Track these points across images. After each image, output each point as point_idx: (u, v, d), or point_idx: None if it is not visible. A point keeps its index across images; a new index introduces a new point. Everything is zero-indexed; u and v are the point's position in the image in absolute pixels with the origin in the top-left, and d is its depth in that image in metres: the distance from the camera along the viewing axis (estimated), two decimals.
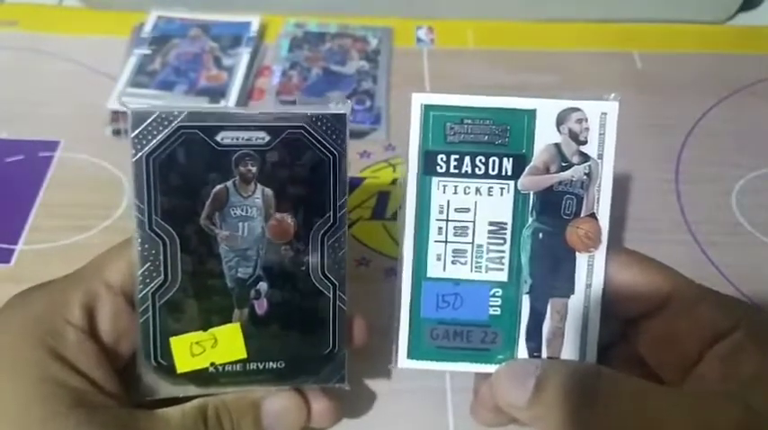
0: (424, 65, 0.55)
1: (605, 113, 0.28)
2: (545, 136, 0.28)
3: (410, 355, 0.29)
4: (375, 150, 0.48)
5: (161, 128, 0.27)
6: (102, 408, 0.26)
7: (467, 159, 0.28)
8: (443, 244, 0.28)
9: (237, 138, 0.28)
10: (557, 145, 0.28)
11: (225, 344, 0.29)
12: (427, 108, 0.28)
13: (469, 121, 0.28)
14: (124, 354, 0.29)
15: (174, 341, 0.28)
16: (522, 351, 0.29)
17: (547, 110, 0.27)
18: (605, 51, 0.57)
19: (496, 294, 0.29)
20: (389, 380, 0.37)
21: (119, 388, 0.27)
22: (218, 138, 0.28)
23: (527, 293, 0.29)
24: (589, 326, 0.29)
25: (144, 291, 0.28)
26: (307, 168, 0.28)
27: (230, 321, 0.29)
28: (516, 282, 0.28)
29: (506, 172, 0.28)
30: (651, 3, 0.59)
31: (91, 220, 0.43)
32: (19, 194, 0.45)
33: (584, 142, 0.28)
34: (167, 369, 0.28)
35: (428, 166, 0.28)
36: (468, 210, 0.28)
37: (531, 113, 0.27)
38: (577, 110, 0.28)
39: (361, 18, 0.58)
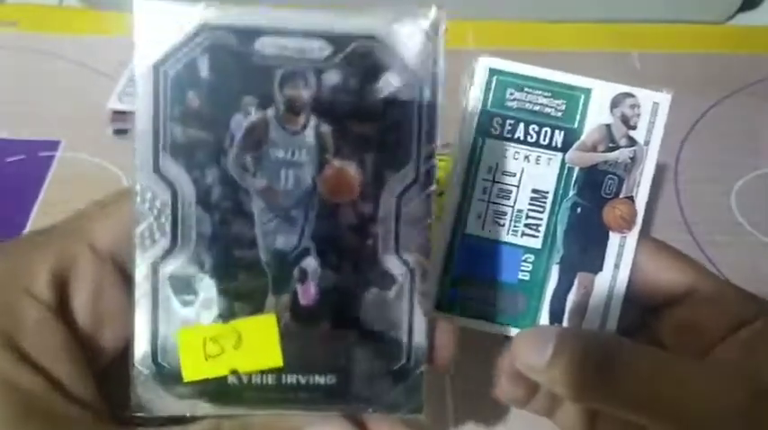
0: None
1: (657, 103, 0.30)
2: (598, 116, 0.29)
3: (437, 307, 0.28)
4: None
5: (177, 26, 0.20)
6: (65, 421, 0.19)
7: (521, 125, 0.28)
8: (486, 203, 0.28)
9: (285, 48, 0.20)
10: (608, 126, 0.29)
11: (253, 344, 0.21)
12: (492, 71, 0.29)
13: (529, 90, 0.29)
14: (108, 347, 0.21)
15: (182, 334, 0.21)
16: (545, 318, 0.30)
17: (603, 91, 0.29)
18: (604, 51, 0.57)
19: (528, 259, 0.29)
20: None
21: (93, 392, 0.20)
22: (256, 46, 0.20)
23: (557, 263, 0.29)
24: (611, 305, 0.29)
25: (142, 259, 0.21)
26: (382, 98, 0.21)
27: (262, 311, 0.21)
28: (549, 250, 0.29)
29: (556, 144, 0.29)
30: (651, 3, 0.60)
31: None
32: (20, 194, 0.45)
33: (634, 127, 0.29)
34: (170, 374, 0.21)
35: (484, 127, 0.29)
36: (514, 174, 0.29)
37: (588, 92, 0.29)
38: (632, 96, 0.29)
39: None
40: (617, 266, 0.29)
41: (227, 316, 0.21)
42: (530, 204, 0.29)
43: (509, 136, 0.29)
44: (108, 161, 0.47)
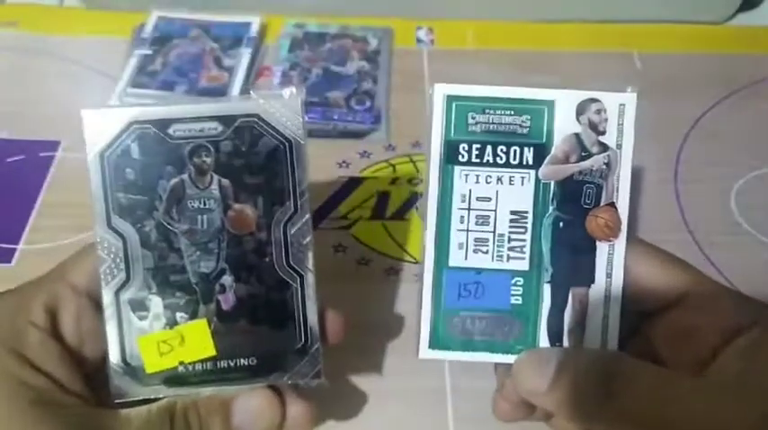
0: (423, 65, 0.55)
1: (623, 105, 0.29)
2: (565, 126, 0.28)
3: (431, 345, 0.29)
4: (375, 150, 0.48)
5: (113, 125, 0.27)
6: (63, 407, 0.26)
7: (488, 148, 0.28)
8: (465, 232, 0.28)
9: (190, 130, 0.28)
10: (576, 135, 0.28)
11: (193, 341, 0.28)
12: (450, 98, 0.28)
13: (491, 111, 0.28)
14: (90, 356, 0.28)
15: (140, 340, 0.28)
16: (544, 340, 0.29)
17: (566, 101, 0.28)
18: (605, 51, 0.57)
19: (518, 283, 0.29)
20: (389, 380, 0.37)
21: (84, 388, 0.27)
22: (170, 131, 0.28)
23: (548, 282, 0.29)
24: (610, 316, 0.29)
25: (107, 290, 0.28)
26: (262, 156, 0.28)
27: (197, 317, 0.28)
28: (537, 270, 0.29)
29: (527, 161, 0.28)
30: (650, 3, 0.60)
31: (91, 220, 0.43)
32: (19, 194, 0.45)
33: (603, 132, 0.29)
34: (137, 370, 0.28)
35: (450, 156, 0.28)
36: (489, 199, 0.28)
37: (551, 104, 0.28)
38: (596, 101, 0.29)
39: (361, 18, 0.58)
40: (609, 276, 0.29)
41: (171, 323, 0.28)
42: (510, 227, 0.28)
43: (478, 161, 0.28)
44: None
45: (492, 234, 0.28)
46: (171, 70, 0.52)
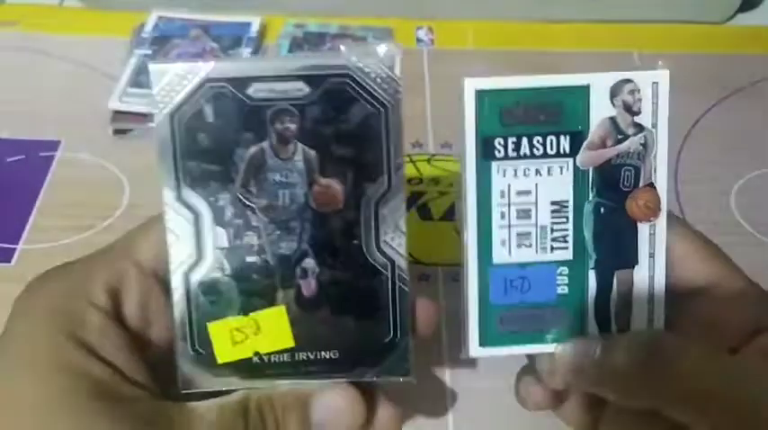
0: (424, 65, 0.55)
1: (656, 83, 0.29)
2: (600, 110, 0.28)
3: (482, 343, 0.28)
4: None
5: (185, 82, 0.24)
6: (128, 400, 0.24)
7: (524, 141, 0.27)
8: (507, 228, 0.28)
9: (272, 91, 0.25)
10: (612, 118, 0.28)
11: (269, 330, 0.26)
12: (481, 93, 0.27)
13: (524, 103, 0.27)
14: (156, 342, 0.26)
15: (211, 327, 0.25)
16: (592, 326, 0.29)
17: (599, 84, 0.28)
18: (605, 51, 0.57)
19: (563, 273, 0.28)
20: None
21: (148, 378, 0.25)
22: (249, 92, 0.25)
23: (592, 269, 0.28)
24: (655, 296, 0.28)
25: (176, 271, 0.25)
26: (355, 124, 0.25)
27: (274, 304, 0.26)
28: (582, 258, 0.28)
29: (564, 150, 0.28)
30: (650, 3, 0.60)
31: (91, 220, 0.43)
32: (20, 194, 0.45)
33: (638, 113, 0.28)
34: (207, 359, 0.25)
35: (486, 152, 0.28)
36: (529, 192, 0.28)
37: (585, 89, 0.28)
38: (629, 81, 0.28)
39: (361, 19, 0.58)
40: (652, 256, 0.28)
41: (246, 310, 0.26)
42: (552, 217, 0.28)
43: (514, 154, 0.27)
44: (108, 161, 0.47)
45: (534, 227, 0.28)
46: None
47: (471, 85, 0.27)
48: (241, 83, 0.24)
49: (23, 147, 0.48)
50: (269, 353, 0.26)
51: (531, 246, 0.28)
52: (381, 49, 0.25)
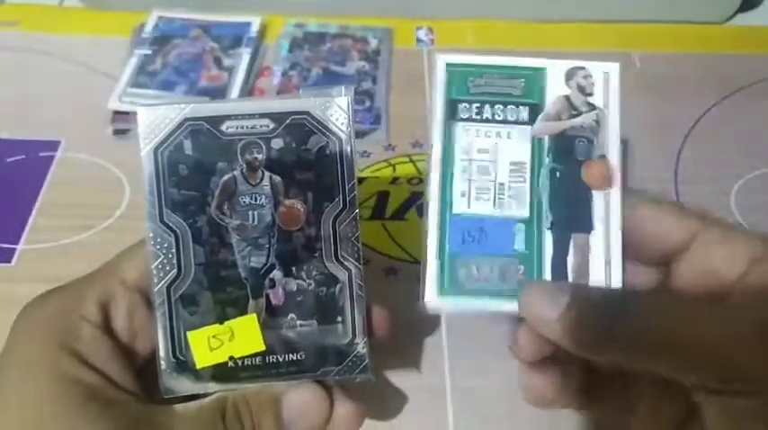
0: (423, 65, 0.55)
1: (607, 72, 0.31)
2: (555, 89, 0.31)
3: (438, 293, 0.29)
4: (375, 150, 0.48)
5: (167, 121, 0.28)
6: (116, 403, 0.26)
7: (487, 107, 0.30)
8: (468, 181, 0.30)
9: (242, 127, 0.28)
10: (566, 96, 0.31)
11: (242, 336, 0.28)
12: (451, 65, 0.31)
13: (488, 75, 0.31)
14: (142, 352, 0.29)
15: (191, 335, 0.28)
16: None
17: (556, 68, 0.31)
18: (604, 51, 0.57)
19: (519, 229, 0.30)
20: (390, 381, 0.37)
21: (135, 384, 0.27)
22: (222, 128, 0.28)
23: (549, 229, 0.30)
24: (612, 262, 0.29)
25: (159, 286, 0.28)
26: (313, 153, 0.29)
27: (246, 312, 0.29)
28: (538, 217, 0.30)
29: (523, 118, 0.30)
30: (650, 3, 0.60)
31: (91, 220, 0.43)
32: (19, 194, 0.45)
33: (591, 94, 0.31)
34: (187, 365, 0.28)
35: (452, 113, 0.30)
36: (488, 151, 0.30)
37: (542, 71, 0.31)
38: (583, 68, 0.32)
39: (361, 18, 0.58)
40: (606, 223, 0.30)
41: (222, 318, 0.29)
42: (510, 176, 0.30)
43: (477, 117, 0.30)
44: (108, 161, 0.47)
45: (493, 183, 0.30)
46: (171, 70, 0.52)
47: (443, 59, 0.31)
48: (216, 121, 0.28)
49: (23, 147, 0.48)
50: (243, 358, 0.28)
51: (489, 200, 0.30)
52: (335, 92, 0.29)
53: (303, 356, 0.29)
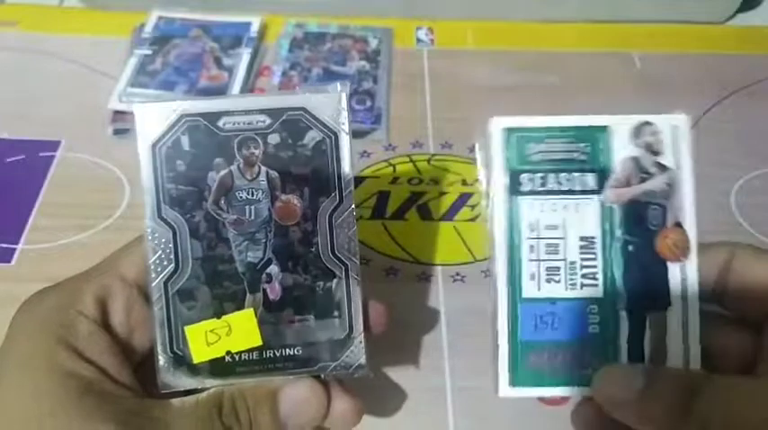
0: (424, 65, 0.55)
1: (676, 126, 0.29)
2: (622, 150, 0.28)
3: (512, 383, 0.28)
4: (375, 150, 0.48)
5: (164, 117, 0.28)
6: (113, 397, 0.26)
7: (551, 176, 0.28)
8: (537, 262, 0.28)
9: (239, 123, 0.28)
10: (634, 158, 0.28)
11: (239, 331, 0.28)
12: (508, 131, 0.28)
13: (549, 140, 0.28)
14: (139, 347, 0.29)
15: (188, 330, 0.28)
16: None
17: (620, 126, 0.28)
18: (605, 52, 0.57)
19: (593, 311, 0.28)
20: (390, 380, 0.37)
21: (132, 378, 0.27)
22: (219, 124, 0.28)
23: (623, 309, 0.28)
24: (690, 339, 0.28)
25: (156, 281, 0.28)
26: (309, 148, 0.29)
27: (243, 307, 0.28)
28: (612, 297, 0.28)
29: (590, 187, 0.28)
30: (650, 3, 0.60)
31: (91, 220, 0.43)
32: (20, 194, 0.45)
33: (660, 153, 0.29)
34: (184, 359, 0.28)
35: (514, 185, 0.28)
36: (557, 227, 0.28)
37: (606, 130, 0.28)
38: (649, 124, 0.29)
39: (361, 18, 0.58)
40: (684, 298, 0.28)
41: (219, 313, 0.28)
42: (581, 253, 0.28)
43: (542, 189, 0.28)
44: (108, 161, 0.47)
45: (563, 262, 0.28)
46: (171, 70, 0.52)
47: (499, 124, 0.28)
48: (213, 117, 0.28)
49: (23, 147, 0.48)
50: (240, 352, 0.28)
51: (560, 281, 0.28)
52: (331, 88, 0.29)
53: (300, 351, 0.29)
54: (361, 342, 0.29)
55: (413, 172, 0.47)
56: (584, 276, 0.28)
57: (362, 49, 0.55)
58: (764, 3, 0.62)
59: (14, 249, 0.42)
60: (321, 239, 0.29)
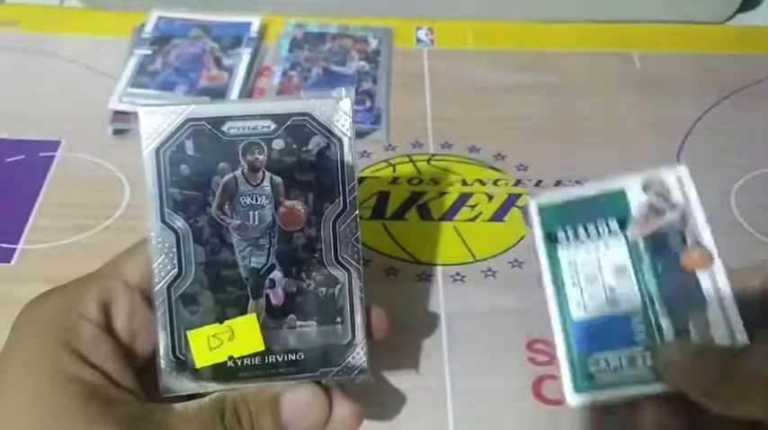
0: (423, 65, 0.55)
1: (679, 176, 0.34)
2: (637, 200, 0.34)
3: (576, 390, 0.31)
4: (375, 150, 0.48)
5: (169, 122, 0.28)
6: (117, 402, 0.26)
7: (581, 229, 0.34)
8: (579, 291, 0.33)
9: (243, 128, 0.28)
10: (649, 203, 0.34)
11: (242, 336, 0.28)
12: (542, 206, 0.35)
13: (576, 204, 0.35)
14: (142, 351, 0.29)
15: (191, 334, 0.28)
16: None
17: (632, 186, 0.34)
18: (604, 52, 0.57)
19: (638, 321, 0.32)
20: (390, 381, 0.37)
21: (135, 383, 0.27)
22: (224, 129, 0.28)
23: (665, 316, 0.32)
24: (735, 331, 0.30)
25: (159, 285, 0.28)
26: (313, 154, 0.28)
27: (246, 312, 0.28)
28: (653, 309, 0.32)
29: (615, 230, 0.34)
30: (650, 3, 0.60)
31: (91, 220, 0.43)
32: (20, 194, 0.45)
33: (669, 195, 0.34)
34: (186, 364, 0.28)
35: (551, 239, 0.34)
36: (592, 263, 0.34)
37: (622, 191, 0.34)
38: (656, 178, 0.34)
39: (361, 19, 0.58)
40: (719, 297, 0.31)
41: (222, 318, 0.28)
42: (616, 279, 0.33)
43: (575, 238, 0.34)
44: (108, 161, 0.47)
45: (602, 288, 0.33)
46: (171, 70, 0.52)
47: (535, 202, 0.35)
48: (217, 121, 0.28)
49: (23, 147, 0.48)
50: (242, 357, 0.28)
51: (602, 303, 0.33)
52: (336, 94, 0.29)
53: (302, 357, 0.29)
54: (363, 348, 0.29)
55: (413, 172, 0.47)
56: (623, 295, 0.33)
57: (362, 49, 0.55)
58: (764, 3, 0.62)
59: (14, 249, 0.42)
60: (325, 245, 0.29)
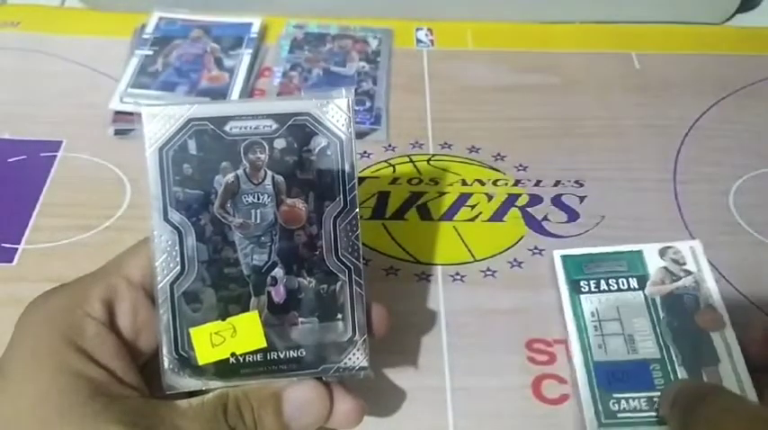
0: (423, 66, 0.55)
1: (693, 247, 0.39)
2: (654, 263, 0.39)
3: (599, 426, 0.34)
4: (375, 151, 0.48)
5: (172, 121, 0.28)
6: (120, 398, 0.26)
7: (602, 281, 0.38)
8: (600, 336, 0.37)
9: (245, 128, 0.29)
10: (664, 267, 0.39)
11: (244, 333, 0.29)
12: (565, 257, 0.40)
13: (598, 260, 0.39)
14: (145, 348, 0.29)
15: (193, 332, 0.28)
16: None
17: (650, 250, 0.39)
18: (604, 52, 0.57)
19: (656, 368, 0.35)
20: (389, 380, 0.37)
21: (139, 380, 0.28)
22: (226, 128, 0.28)
23: (680, 365, 0.35)
24: (744, 385, 0.34)
25: (162, 283, 0.28)
26: (314, 153, 0.29)
27: (248, 309, 0.29)
28: (669, 358, 0.36)
29: (633, 286, 0.38)
30: (649, 4, 0.60)
31: (92, 220, 0.44)
32: (21, 194, 0.45)
33: (684, 264, 0.39)
34: (189, 361, 0.28)
35: (575, 288, 0.39)
36: (612, 311, 0.37)
37: (640, 253, 0.39)
38: (671, 247, 0.39)
39: (361, 19, 0.58)
40: (730, 355, 0.35)
41: (224, 315, 0.29)
42: (635, 328, 0.36)
43: (596, 289, 0.38)
44: (109, 161, 0.47)
45: (622, 336, 0.36)
46: (172, 71, 0.52)
47: (559, 254, 0.40)
48: (220, 121, 0.28)
49: (25, 147, 0.48)
50: (244, 354, 0.29)
51: (622, 348, 0.36)
52: (336, 94, 0.29)
53: (304, 353, 0.29)
54: (364, 344, 0.29)
55: (413, 172, 0.47)
56: (641, 343, 0.36)
57: (362, 50, 0.55)
58: (763, 3, 0.62)
59: (16, 249, 0.42)
60: (325, 243, 0.29)
